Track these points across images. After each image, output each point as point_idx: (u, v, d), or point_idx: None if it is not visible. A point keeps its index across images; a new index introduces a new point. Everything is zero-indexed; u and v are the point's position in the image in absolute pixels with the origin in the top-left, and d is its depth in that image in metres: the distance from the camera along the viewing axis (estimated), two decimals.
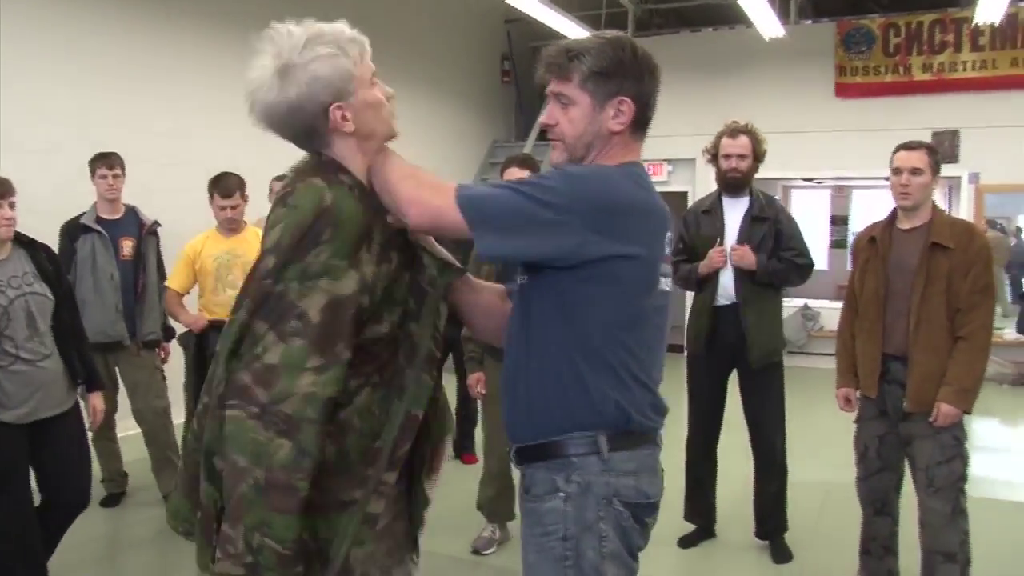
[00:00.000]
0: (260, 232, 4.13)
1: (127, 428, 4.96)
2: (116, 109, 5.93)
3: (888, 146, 3.53)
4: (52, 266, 3.30)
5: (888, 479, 3.54)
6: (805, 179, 10.39)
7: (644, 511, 1.76)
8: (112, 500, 4.77)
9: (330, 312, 1.55)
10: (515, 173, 4.02)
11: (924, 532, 3.40)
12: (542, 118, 1.86)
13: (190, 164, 5.00)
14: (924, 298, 3.32)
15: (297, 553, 1.54)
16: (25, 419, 3.13)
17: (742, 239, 3.98)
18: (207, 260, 4.38)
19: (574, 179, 1.70)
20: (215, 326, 4.27)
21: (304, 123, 1.66)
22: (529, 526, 1.77)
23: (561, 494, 1.71)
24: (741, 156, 3.97)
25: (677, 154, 9.83)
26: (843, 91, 9.61)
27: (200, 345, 4.36)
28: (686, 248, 4.15)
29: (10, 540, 3.21)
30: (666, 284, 1.80)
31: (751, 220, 4.01)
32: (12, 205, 3.14)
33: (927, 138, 9.12)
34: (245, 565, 1.51)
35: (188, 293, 4.50)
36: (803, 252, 4.03)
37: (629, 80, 1.77)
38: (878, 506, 3.57)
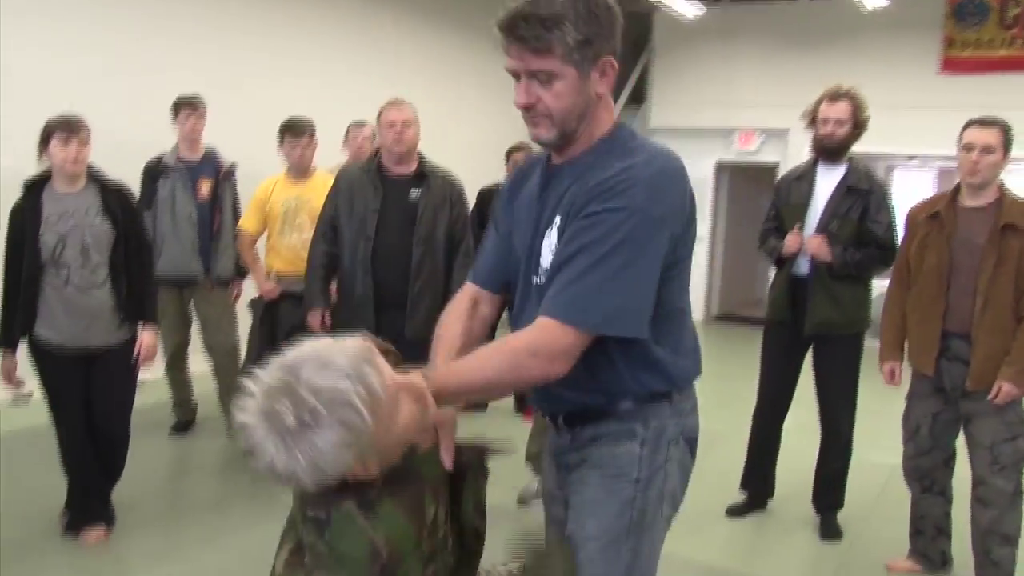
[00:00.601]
0: (329, 179, 4.27)
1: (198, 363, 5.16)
2: (195, 58, 6.13)
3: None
4: (121, 205, 3.43)
5: (938, 457, 3.50)
6: (909, 156, 9.97)
7: (695, 444, 1.89)
8: (181, 427, 5.01)
9: None
10: (519, 158, 4.04)
11: (983, 512, 3.35)
12: (519, 100, 1.66)
13: (266, 110, 5.11)
14: (993, 278, 3.26)
15: None
16: (72, 343, 3.32)
17: (831, 210, 3.83)
18: (276, 204, 4.51)
19: (654, 191, 1.62)
20: (285, 297, 4.42)
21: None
22: (595, 468, 1.78)
23: (639, 439, 1.75)
24: (839, 122, 3.81)
25: (769, 124, 9.60)
26: (951, 66, 9.14)
27: (270, 314, 4.49)
28: (777, 216, 4.05)
29: (69, 468, 3.44)
30: None
31: (845, 191, 3.83)
32: (83, 143, 3.29)
33: None
34: None
35: (260, 235, 4.63)
36: (890, 227, 3.82)
37: (608, 38, 1.63)
38: (927, 484, 3.54)
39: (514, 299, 1.87)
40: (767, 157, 9.87)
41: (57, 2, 5.39)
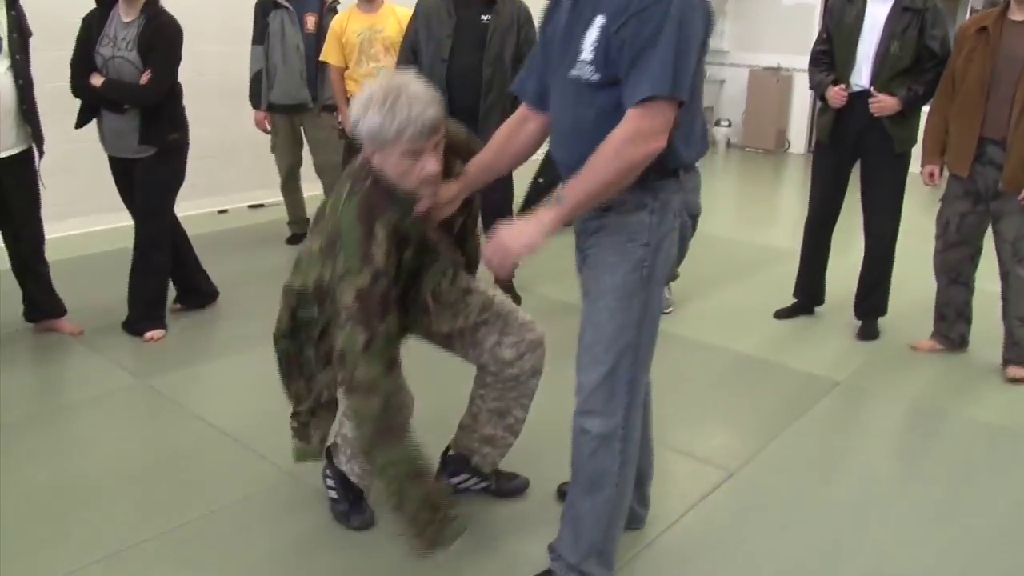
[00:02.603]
0: (397, 8, 4.61)
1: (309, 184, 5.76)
2: None
3: None
4: (149, 39, 3.77)
5: (965, 252, 3.88)
6: None
7: (697, 219, 2.18)
8: (295, 239, 5.66)
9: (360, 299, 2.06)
10: None
11: (1006, 300, 3.79)
12: None
13: None
14: None
15: None
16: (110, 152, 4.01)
17: (890, 32, 3.90)
18: (351, 35, 4.84)
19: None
20: None
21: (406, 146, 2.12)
22: (611, 234, 2.06)
23: (648, 208, 2.03)
24: None
25: None
26: None
27: (355, 152, 4.89)
28: (828, 38, 4.15)
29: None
30: None
31: (900, 10, 3.90)
32: None
33: None
34: None
35: (344, 66, 4.93)
36: (945, 40, 3.90)
37: None
38: (953, 275, 3.94)
39: (549, 103, 2.16)
40: None
41: None
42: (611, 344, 2.06)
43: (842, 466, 3.09)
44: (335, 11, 5.28)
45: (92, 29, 3.80)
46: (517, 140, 2.29)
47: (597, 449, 2.13)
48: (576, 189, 1.93)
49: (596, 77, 1.94)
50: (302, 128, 5.40)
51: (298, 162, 5.53)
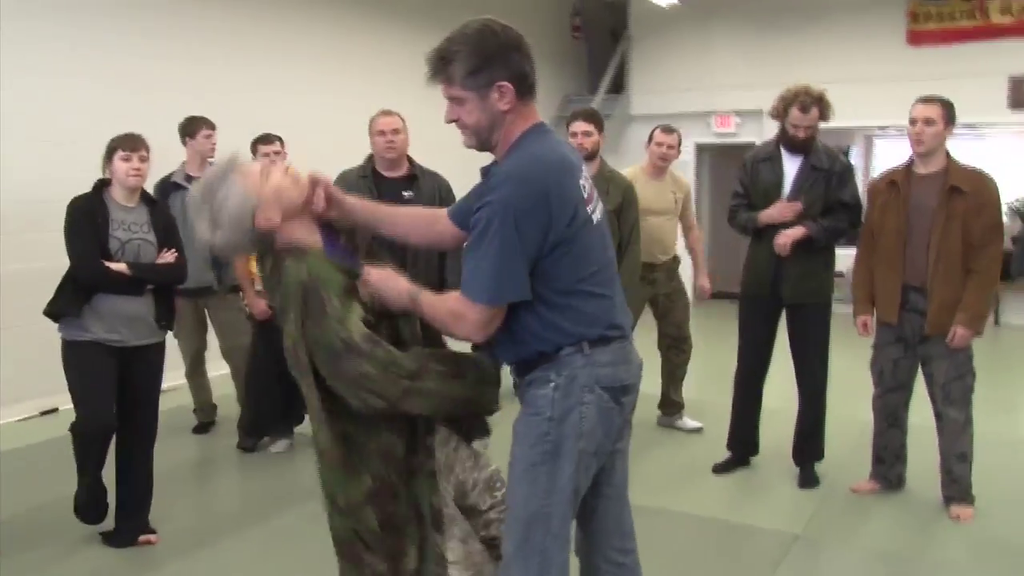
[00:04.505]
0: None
1: (216, 368, 5.49)
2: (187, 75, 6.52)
3: (966, 93, 3.90)
4: (165, 223, 3.76)
5: (900, 397, 4.05)
6: (880, 127, 10.30)
7: (620, 392, 2.16)
8: (202, 428, 5.36)
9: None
10: (581, 127, 4.36)
11: (942, 438, 3.93)
12: (445, 118, 2.11)
13: (258, 127, 5.37)
14: (944, 235, 3.73)
15: None
16: (109, 342, 3.53)
17: (798, 187, 4.13)
18: None
19: (517, 183, 1.98)
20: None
21: (252, 239, 2.21)
22: (524, 406, 2.15)
23: (552, 384, 2.09)
24: (808, 128, 4.09)
25: (745, 106, 9.93)
26: (916, 39, 9.50)
27: (264, 335, 4.76)
28: (746, 194, 4.33)
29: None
30: (596, 215, 2.13)
31: (809, 169, 4.14)
32: (143, 159, 3.60)
33: (1004, 84, 9.04)
34: None
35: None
36: (855, 193, 4.18)
37: (499, 66, 2.01)
38: (891, 420, 4.09)
39: None
40: (744, 137, 10.17)
41: (51, 26, 5.72)
42: (519, 514, 2.10)
43: None
44: None
45: (96, 215, 3.56)
46: (421, 220, 2.46)
47: None
48: (424, 305, 2.11)
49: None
50: (206, 311, 5.18)
51: (203, 346, 5.28)
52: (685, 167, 10.25)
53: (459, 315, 2.03)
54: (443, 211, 2.40)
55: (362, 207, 2.37)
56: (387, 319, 2.19)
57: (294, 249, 2.17)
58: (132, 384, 3.65)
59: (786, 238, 4.10)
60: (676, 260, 5.30)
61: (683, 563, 3.55)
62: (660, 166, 5.19)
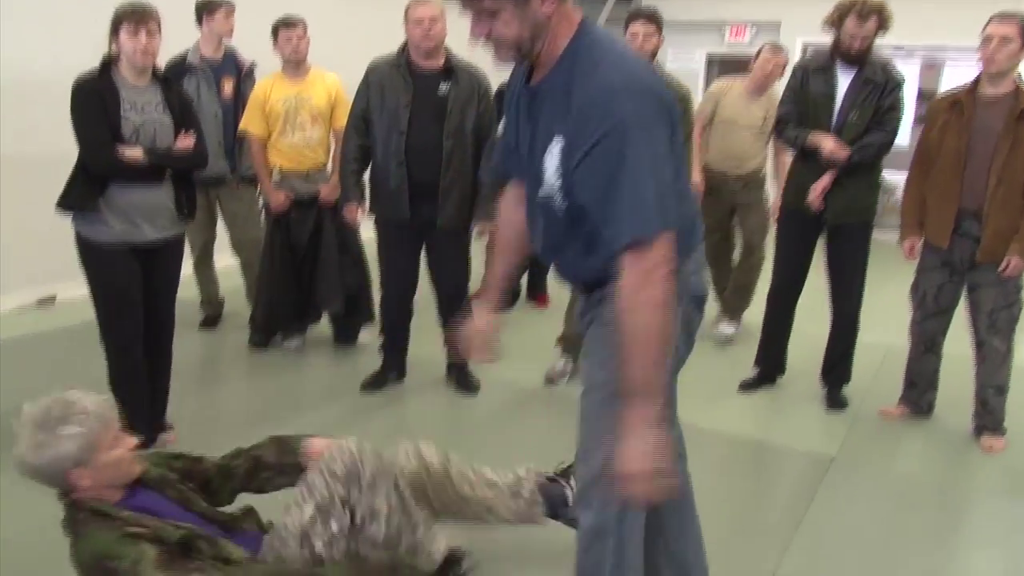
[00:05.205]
0: (325, 76, 4.34)
1: (223, 260, 5.31)
2: None
3: (987, 15, 3.62)
4: (180, 101, 3.42)
5: (940, 322, 3.97)
6: (895, 47, 10.06)
7: (703, 301, 2.11)
8: (210, 322, 5.21)
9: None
10: (642, 27, 4.13)
11: (980, 368, 3.87)
12: (471, 34, 1.84)
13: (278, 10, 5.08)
14: (1007, 161, 3.58)
15: None
16: (130, 238, 3.28)
17: (850, 101, 3.96)
18: (276, 103, 4.48)
19: (633, 95, 1.75)
20: (293, 207, 4.56)
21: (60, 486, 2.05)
22: (602, 325, 1.97)
23: None
24: (865, 38, 3.90)
25: (760, 17, 9.61)
26: None
27: (280, 228, 4.60)
28: (796, 103, 4.12)
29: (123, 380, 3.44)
30: None
31: (862, 82, 3.95)
32: (151, 33, 3.21)
33: None
34: None
35: (267, 136, 4.55)
36: (897, 115, 3.97)
37: None
38: (928, 345, 4.02)
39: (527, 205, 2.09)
40: None
41: None
42: (600, 441, 1.96)
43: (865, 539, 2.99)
44: (253, 76, 4.91)
45: (106, 97, 3.20)
46: (520, 229, 2.19)
47: (590, 545, 2.06)
48: (636, 371, 1.79)
49: (565, 204, 1.89)
50: (218, 202, 4.95)
51: (212, 238, 5.07)
52: (694, 78, 10.02)
53: (647, 268, 1.74)
54: (513, 202, 2.19)
55: (501, 281, 2.28)
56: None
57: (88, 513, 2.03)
58: (153, 280, 3.43)
59: (817, 193, 4.01)
60: (756, 174, 5.19)
61: (725, 484, 3.49)
62: (762, 83, 5.12)
